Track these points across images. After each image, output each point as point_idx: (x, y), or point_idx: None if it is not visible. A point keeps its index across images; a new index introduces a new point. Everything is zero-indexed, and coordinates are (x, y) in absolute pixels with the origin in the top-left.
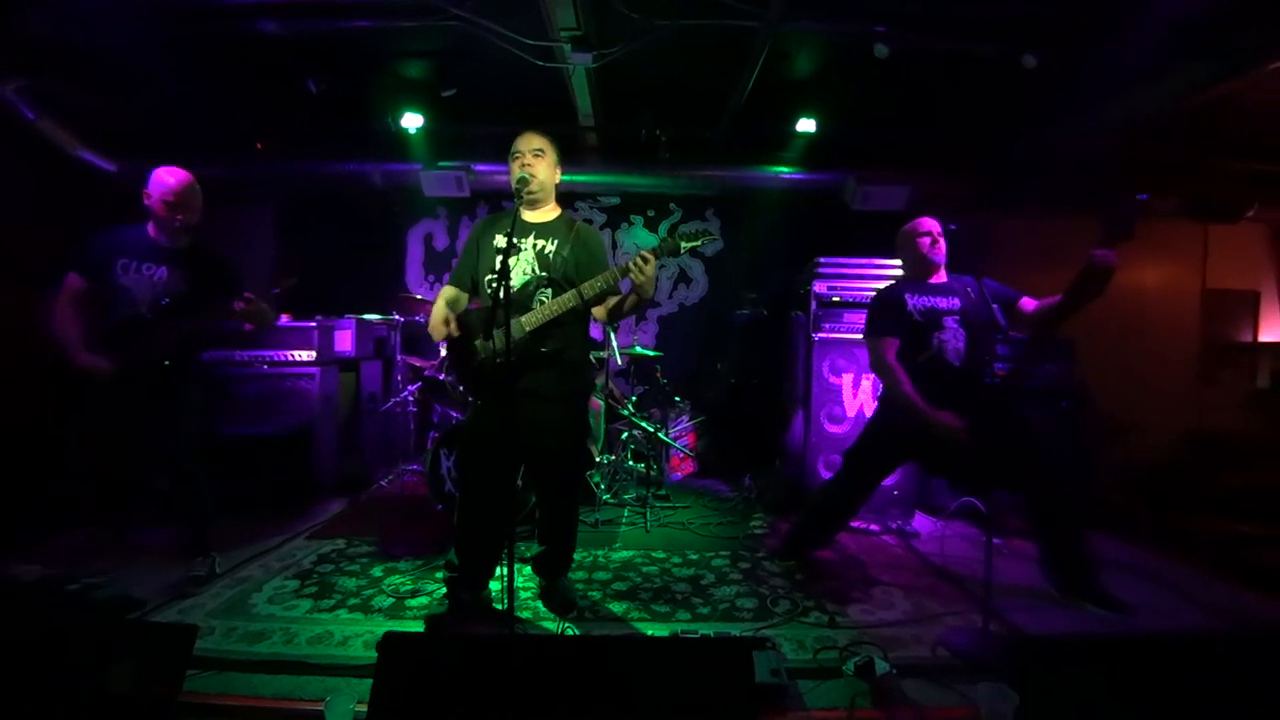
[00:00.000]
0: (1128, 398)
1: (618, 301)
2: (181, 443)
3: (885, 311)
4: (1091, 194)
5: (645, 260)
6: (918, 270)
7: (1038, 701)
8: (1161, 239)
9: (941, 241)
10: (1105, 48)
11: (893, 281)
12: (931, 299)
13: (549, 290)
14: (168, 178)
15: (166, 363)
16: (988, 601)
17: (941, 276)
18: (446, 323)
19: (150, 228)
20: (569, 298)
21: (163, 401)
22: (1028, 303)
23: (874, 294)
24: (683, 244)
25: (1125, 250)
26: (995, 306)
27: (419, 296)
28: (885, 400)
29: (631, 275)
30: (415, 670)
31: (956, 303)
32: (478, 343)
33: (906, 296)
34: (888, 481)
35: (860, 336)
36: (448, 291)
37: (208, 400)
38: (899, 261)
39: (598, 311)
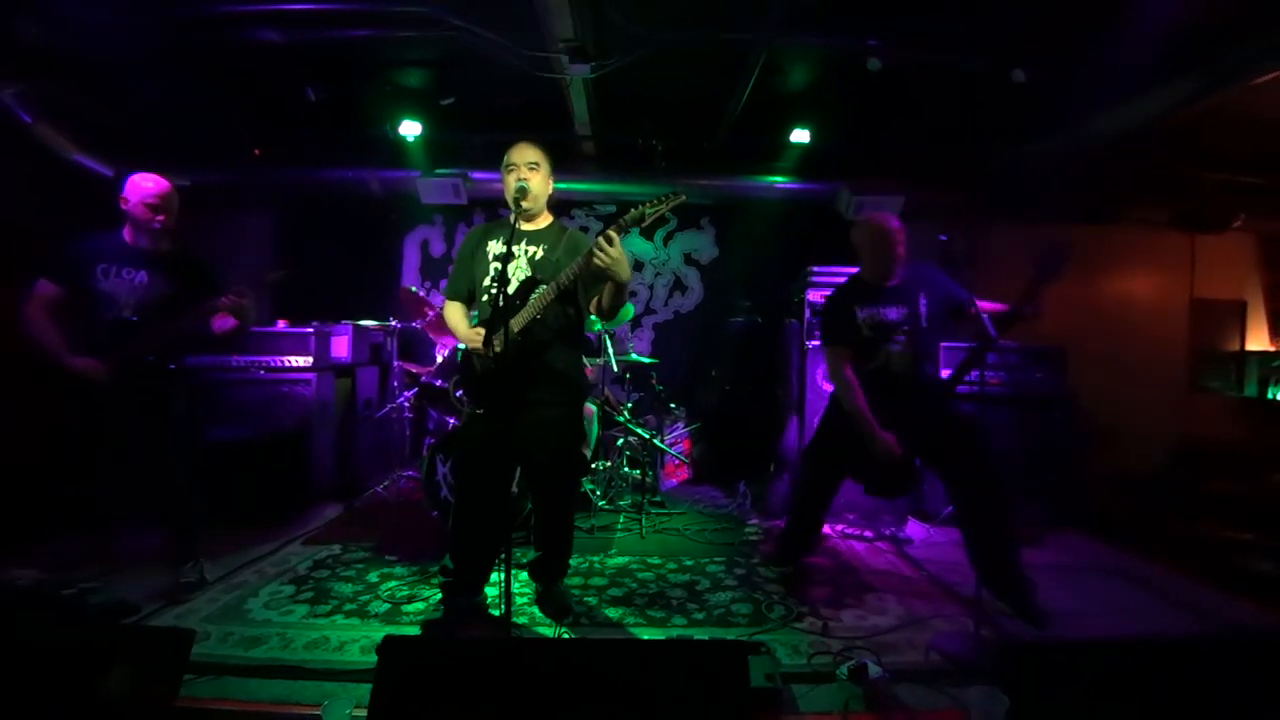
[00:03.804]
0: (1117, 406)
1: (599, 292)
2: (171, 449)
3: (838, 321)
4: (1080, 204)
5: (609, 240)
6: (878, 272)
7: (1028, 705)
8: (1149, 249)
9: (902, 247)
10: (1093, 62)
11: (843, 286)
12: (882, 310)
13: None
14: (146, 182)
15: (150, 359)
16: (979, 607)
17: (896, 279)
18: (483, 339)
19: (126, 233)
20: (548, 290)
21: (152, 407)
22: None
23: (825, 300)
24: (647, 210)
25: (1113, 260)
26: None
27: (419, 292)
28: (834, 401)
29: (596, 259)
30: (415, 674)
31: (904, 313)
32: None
33: (856, 310)
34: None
35: None
36: (456, 307)
37: (195, 405)
38: None
39: (592, 308)
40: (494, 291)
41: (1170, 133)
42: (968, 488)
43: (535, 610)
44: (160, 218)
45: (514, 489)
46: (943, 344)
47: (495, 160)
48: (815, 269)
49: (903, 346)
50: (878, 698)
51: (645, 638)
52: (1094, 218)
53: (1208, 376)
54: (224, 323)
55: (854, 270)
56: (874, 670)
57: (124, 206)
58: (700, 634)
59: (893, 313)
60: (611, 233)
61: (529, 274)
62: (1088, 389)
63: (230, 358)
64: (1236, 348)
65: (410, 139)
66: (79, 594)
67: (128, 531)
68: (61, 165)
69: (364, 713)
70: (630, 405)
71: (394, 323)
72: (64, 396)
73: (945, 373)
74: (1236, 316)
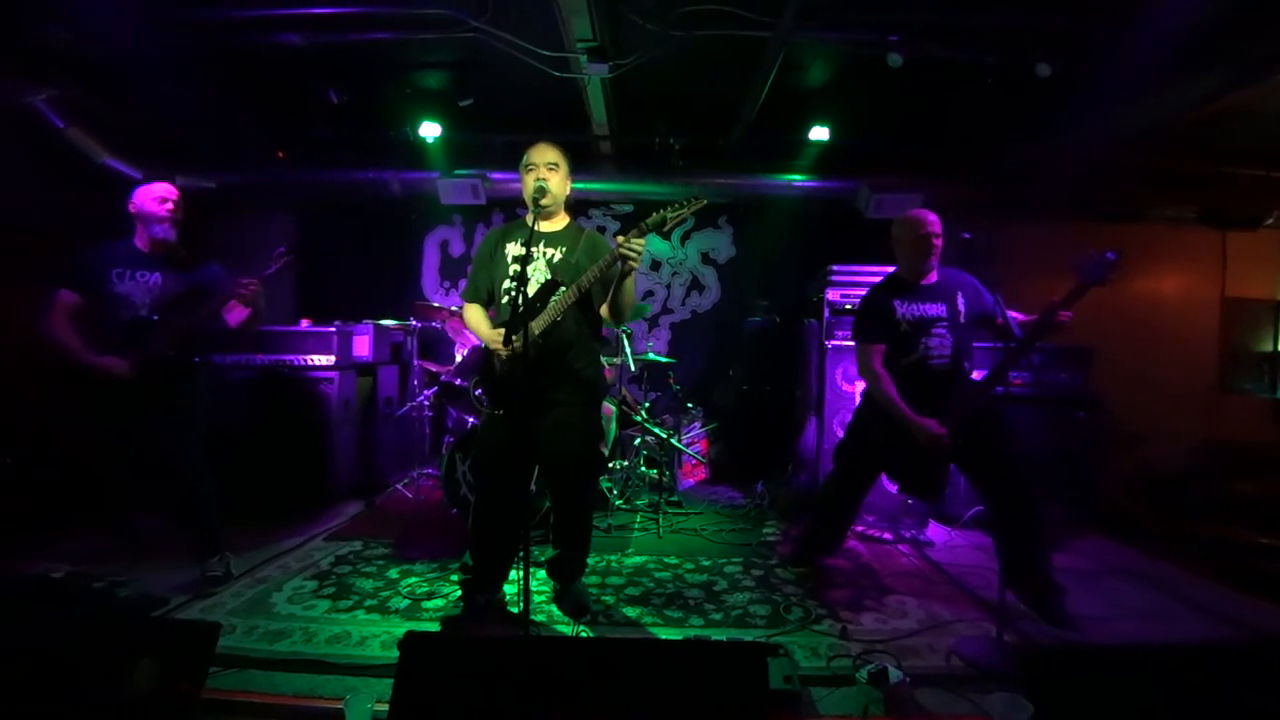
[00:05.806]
0: (1145, 406)
1: (613, 292)
2: (189, 444)
3: (874, 318)
4: (1104, 201)
5: (635, 241)
6: (915, 267)
7: (1052, 711)
8: (1178, 247)
9: (940, 242)
10: (1119, 56)
11: (881, 283)
12: (921, 306)
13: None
14: (154, 187)
15: (172, 355)
16: (1002, 611)
17: (933, 277)
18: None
19: (138, 240)
20: (569, 293)
21: (170, 403)
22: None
23: (864, 297)
24: (668, 214)
25: (1141, 258)
26: (1011, 319)
27: (435, 304)
28: (869, 398)
29: (623, 254)
30: (436, 669)
31: (944, 309)
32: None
33: (896, 304)
34: (895, 489)
35: None
36: (476, 309)
37: (215, 403)
38: None
39: (604, 312)
40: (514, 293)
41: (1197, 128)
42: (1002, 490)
43: (553, 608)
44: (168, 207)
45: (532, 487)
46: (975, 345)
47: (514, 161)
48: (835, 268)
49: (941, 340)
50: (898, 702)
51: (663, 637)
52: (1118, 215)
53: (1239, 378)
54: (238, 314)
55: (876, 268)
56: (894, 674)
57: (132, 209)
58: (718, 634)
59: (932, 309)
60: (634, 233)
61: (548, 276)
62: (1114, 389)
63: (255, 356)
64: (1270, 348)
65: (430, 140)
66: (108, 587)
67: (155, 526)
68: (92, 168)
69: (385, 707)
70: (648, 405)
71: (414, 322)
72: (89, 395)
73: (978, 375)
74: (1270, 316)
